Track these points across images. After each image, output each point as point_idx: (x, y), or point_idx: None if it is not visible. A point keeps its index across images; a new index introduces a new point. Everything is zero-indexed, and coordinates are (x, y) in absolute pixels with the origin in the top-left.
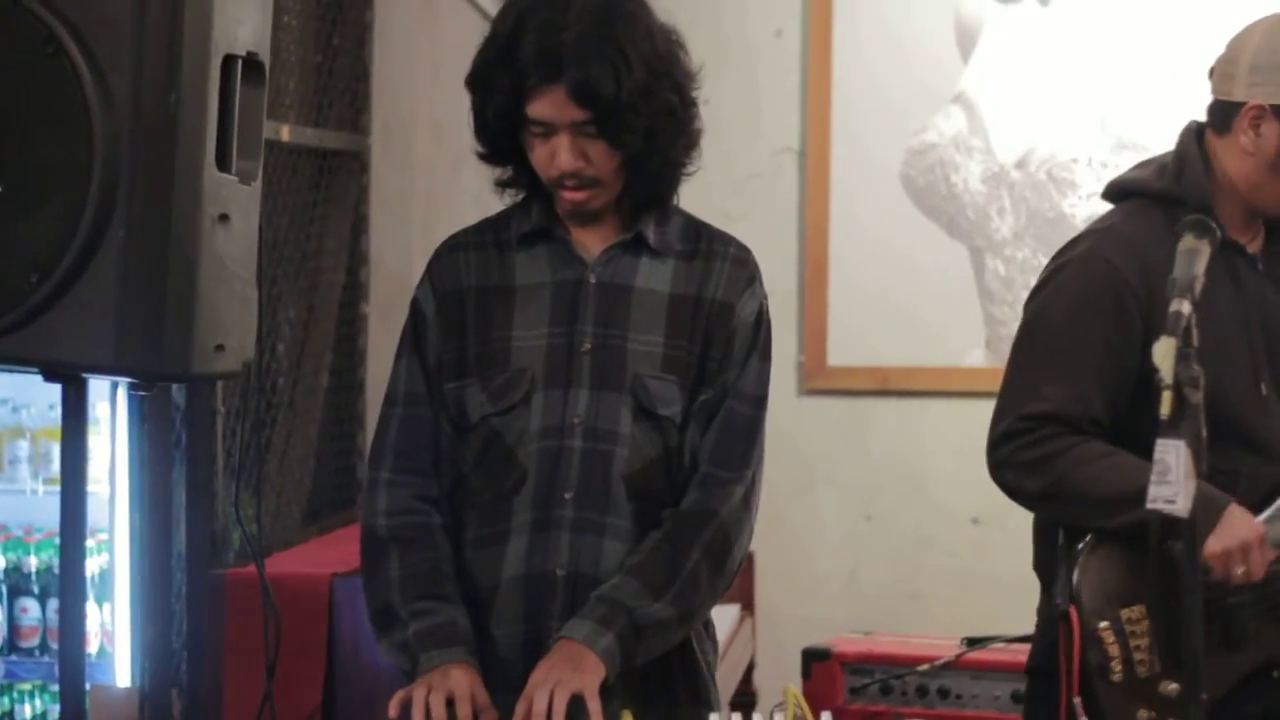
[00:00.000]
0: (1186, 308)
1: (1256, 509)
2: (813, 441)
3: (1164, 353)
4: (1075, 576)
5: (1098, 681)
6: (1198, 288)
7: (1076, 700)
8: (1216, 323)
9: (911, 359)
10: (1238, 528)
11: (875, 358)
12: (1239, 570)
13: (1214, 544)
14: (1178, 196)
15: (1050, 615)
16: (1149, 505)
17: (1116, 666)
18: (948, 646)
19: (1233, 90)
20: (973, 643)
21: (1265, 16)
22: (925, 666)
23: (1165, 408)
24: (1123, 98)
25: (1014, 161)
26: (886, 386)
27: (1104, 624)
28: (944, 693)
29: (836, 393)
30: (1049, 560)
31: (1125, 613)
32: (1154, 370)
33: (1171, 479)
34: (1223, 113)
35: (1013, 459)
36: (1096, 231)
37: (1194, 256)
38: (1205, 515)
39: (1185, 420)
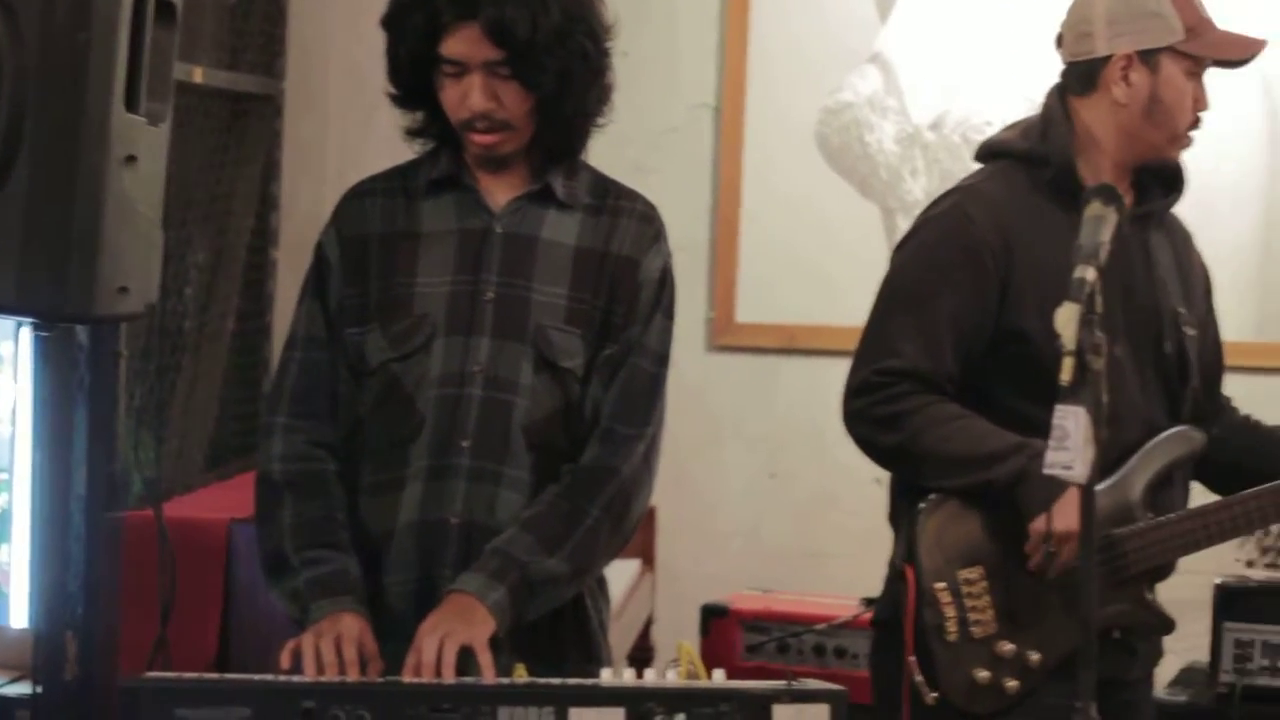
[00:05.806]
0: (1091, 274)
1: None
2: (720, 398)
3: (1067, 318)
4: (914, 536)
5: (934, 641)
6: (1103, 254)
7: (911, 659)
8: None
9: (820, 318)
10: (1071, 516)
11: (784, 315)
12: (1046, 549)
13: (1045, 522)
14: (1042, 156)
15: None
16: (1045, 470)
17: (952, 626)
18: (846, 606)
19: (1094, 47)
20: (871, 603)
21: None
22: (822, 626)
23: (1066, 373)
24: (1040, 61)
25: (928, 123)
26: (794, 345)
27: (940, 584)
28: (840, 652)
29: (745, 349)
30: (900, 514)
31: (963, 573)
32: (1018, 329)
33: (1070, 445)
34: (1085, 73)
35: (867, 413)
36: (960, 189)
37: (1100, 223)
38: (1046, 489)
39: (1086, 386)
